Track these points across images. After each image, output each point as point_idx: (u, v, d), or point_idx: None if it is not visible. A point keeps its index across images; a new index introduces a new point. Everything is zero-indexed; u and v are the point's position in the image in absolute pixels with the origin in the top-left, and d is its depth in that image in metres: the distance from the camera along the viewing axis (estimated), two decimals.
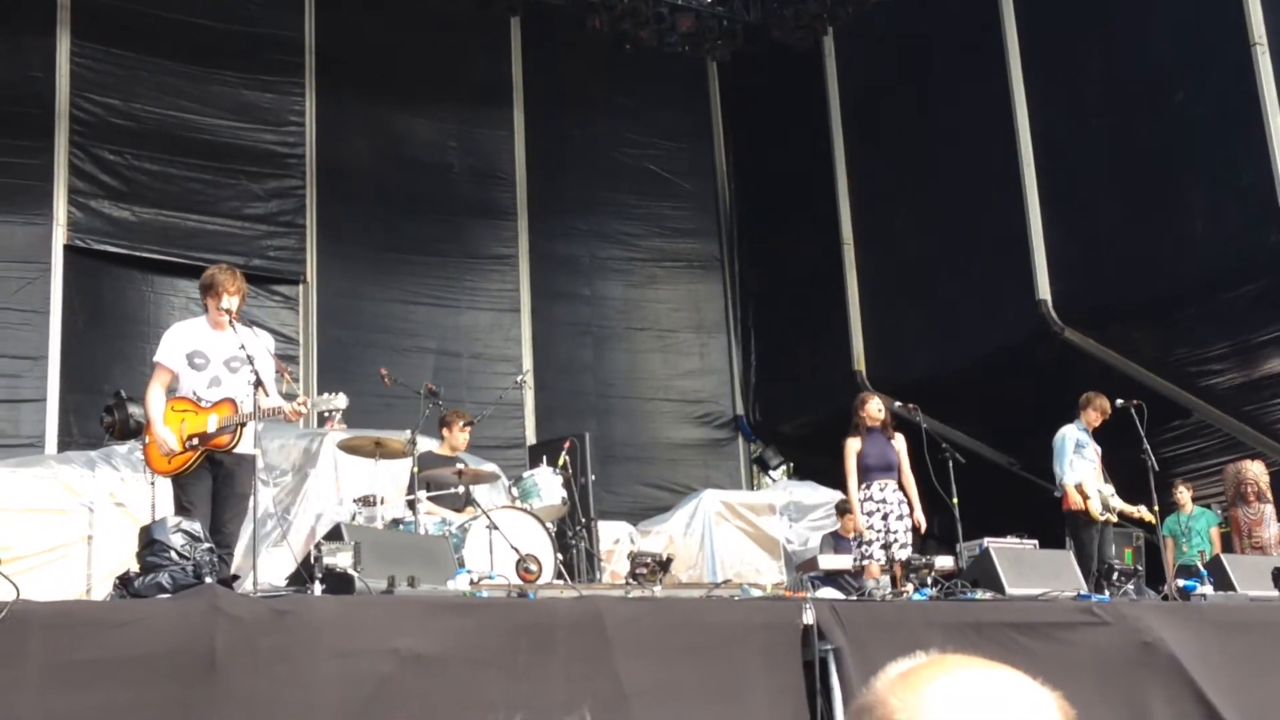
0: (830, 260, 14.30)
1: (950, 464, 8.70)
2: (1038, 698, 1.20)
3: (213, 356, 6.51)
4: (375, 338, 13.47)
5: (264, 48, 13.48)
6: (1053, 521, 9.78)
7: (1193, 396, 11.78)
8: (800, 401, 14.83)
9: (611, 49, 14.37)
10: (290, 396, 6.67)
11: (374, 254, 13.84)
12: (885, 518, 8.60)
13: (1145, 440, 8.54)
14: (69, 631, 4.40)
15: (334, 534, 5.93)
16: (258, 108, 13.36)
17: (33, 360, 11.70)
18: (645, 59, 14.76)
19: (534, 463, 9.56)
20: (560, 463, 9.38)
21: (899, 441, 8.90)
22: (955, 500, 8.63)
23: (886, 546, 8.51)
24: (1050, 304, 11.95)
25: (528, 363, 13.97)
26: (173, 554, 5.13)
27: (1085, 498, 9.26)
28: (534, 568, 7.59)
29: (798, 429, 15.12)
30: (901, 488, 8.74)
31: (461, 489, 8.53)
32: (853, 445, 8.80)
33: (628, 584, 7.23)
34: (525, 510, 8.37)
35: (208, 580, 5.09)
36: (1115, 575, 7.77)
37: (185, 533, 5.26)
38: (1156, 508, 8.84)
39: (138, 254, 12.47)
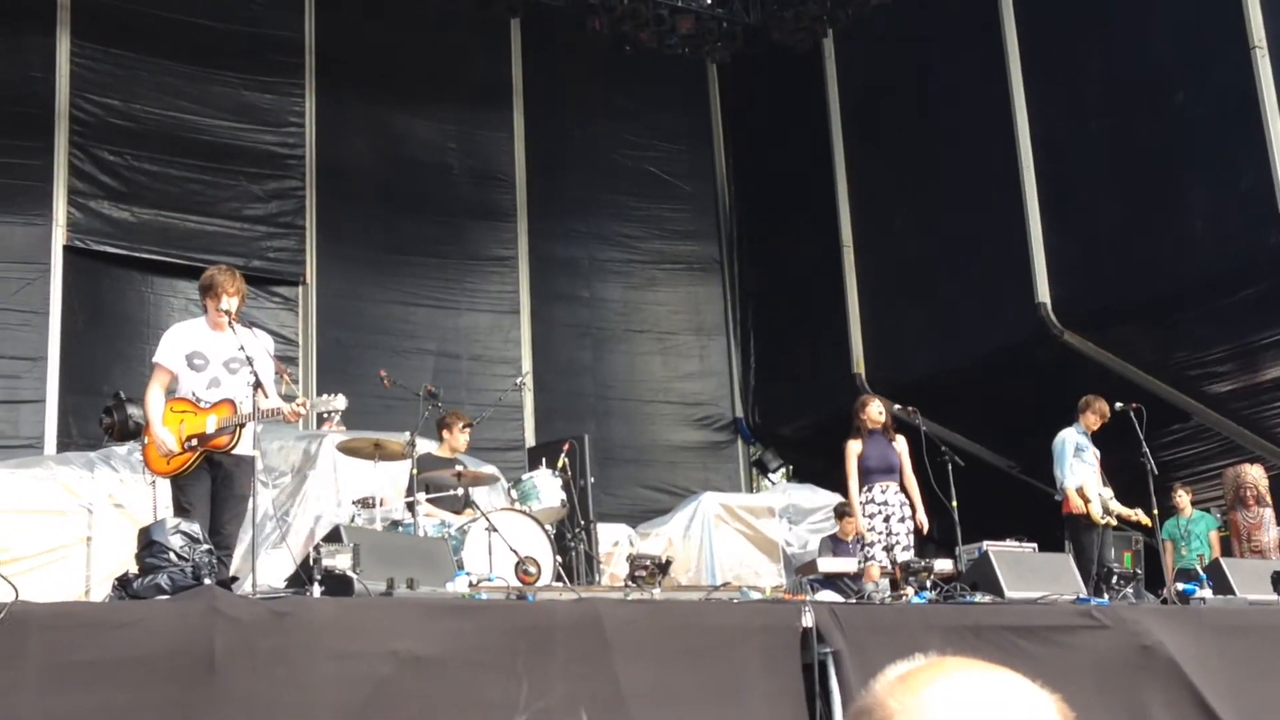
0: (830, 262, 14.30)
1: (949, 467, 8.70)
2: (1037, 700, 1.20)
3: (212, 357, 6.51)
4: (375, 339, 13.47)
5: (264, 48, 13.48)
6: (1052, 525, 9.78)
7: (1192, 400, 11.79)
8: (800, 404, 14.83)
9: (611, 51, 14.37)
10: (289, 398, 6.67)
11: (373, 255, 13.84)
12: (887, 520, 8.61)
13: (1144, 444, 8.54)
14: (68, 633, 4.40)
15: (333, 536, 5.92)
16: (257, 108, 13.36)
17: (32, 361, 11.70)
18: (645, 61, 14.77)
19: (533, 465, 9.56)
20: (559, 465, 9.38)
21: (900, 443, 8.90)
22: (954, 503, 8.62)
23: (889, 549, 8.51)
24: (1050, 306, 11.95)
25: (527, 365, 13.97)
26: (171, 555, 5.13)
27: (1086, 501, 9.26)
28: (533, 570, 7.58)
29: (797, 431, 15.12)
30: (903, 489, 8.74)
31: (460, 491, 8.53)
32: (853, 447, 8.80)
33: (627, 586, 7.22)
34: (524, 512, 8.37)
35: (207, 582, 5.09)
36: (1114, 579, 7.77)
37: (184, 534, 5.25)
38: (1156, 511, 8.83)
39: (137, 255, 12.47)
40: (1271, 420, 11.74)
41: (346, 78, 13.83)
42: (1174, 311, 11.39)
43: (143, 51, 12.80)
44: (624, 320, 15.24)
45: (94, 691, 4.27)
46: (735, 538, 12.12)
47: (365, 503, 8.14)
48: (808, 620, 5.70)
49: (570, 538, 9.56)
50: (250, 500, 6.37)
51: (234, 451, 6.36)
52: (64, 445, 11.31)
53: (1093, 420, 9.44)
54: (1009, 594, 7.05)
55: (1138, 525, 9.63)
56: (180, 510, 6.23)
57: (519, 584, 7.07)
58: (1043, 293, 11.99)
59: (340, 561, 5.27)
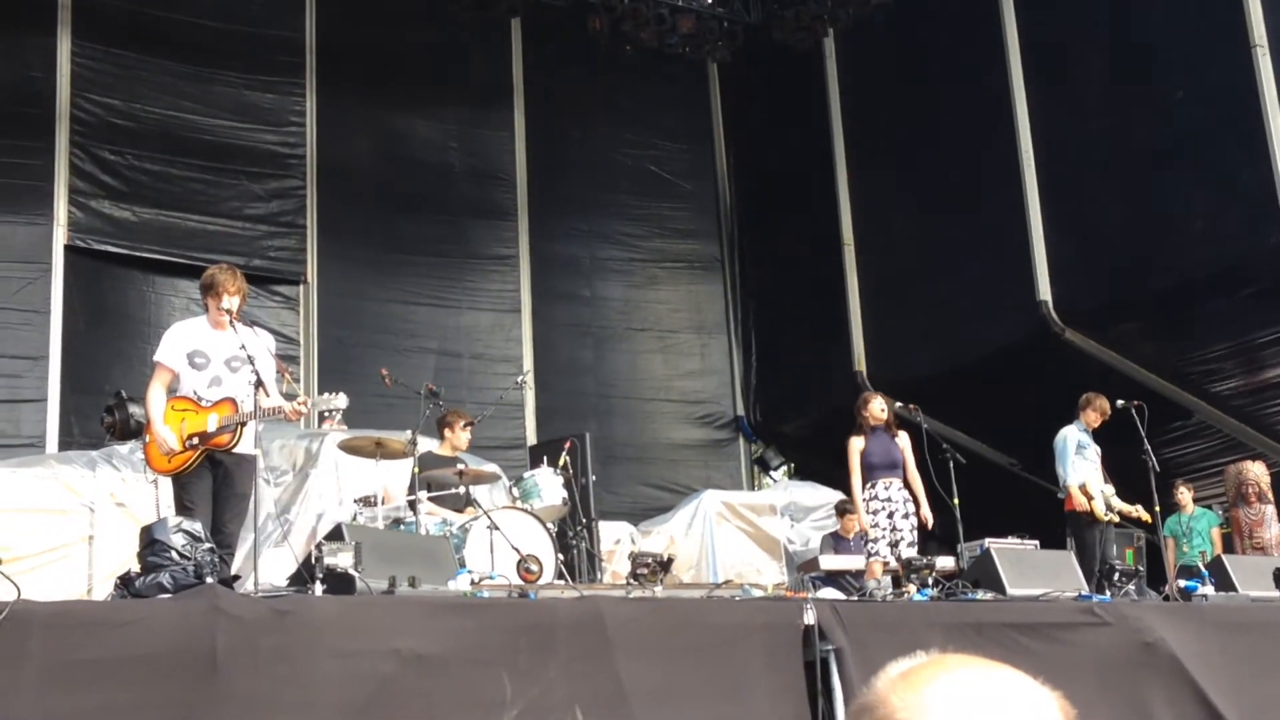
0: (830, 261, 14.30)
1: (951, 464, 8.70)
2: (1038, 697, 1.20)
3: (213, 356, 6.51)
4: (376, 338, 13.47)
5: (265, 48, 13.48)
6: (1054, 522, 9.78)
7: (1193, 397, 11.79)
8: (801, 402, 14.84)
9: (612, 50, 14.37)
10: (290, 396, 6.67)
11: (374, 254, 13.84)
12: (891, 516, 8.61)
13: (1146, 441, 8.53)
14: (70, 631, 4.41)
15: (335, 534, 5.93)
16: (258, 108, 13.36)
17: (33, 360, 11.71)
18: (646, 60, 14.77)
19: (535, 463, 9.56)
20: (561, 463, 9.39)
21: (903, 439, 8.91)
22: (956, 501, 8.62)
23: (893, 545, 8.52)
24: (1051, 304, 11.95)
25: (528, 363, 13.97)
26: (173, 554, 5.13)
27: (1089, 498, 9.26)
28: (535, 568, 7.59)
29: (798, 429, 15.12)
30: (907, 485, 8.75)
31: (462, 489, 8.53)
32: (856, 444, 8.81)
33: (628, 584, 7.23)
34: (526, 510, 8.37)
35: (209, 580, 5.09)
36: (1116, 576, 7.77)
37: (186, 533, 5.26)
38: (1157, 508, 8.83)
39: (138, 254, 12.48)
40: (1273, 417, 11.74)
41: (347, 77, 13.83)
42: (1175, 309, 11.39)
43: (143, 51, 12.80)
44: (625, 319, 15.24)
45: (96, 690, 4.27)
46: (737, 535, 12.13)
47: (367, 501, 8.15)
48: (809, 618, 5.71)
49: (572, 536, 9.57)
50: (251, 499, 6.37)
51: (235, 450, 6.36)
52: (66, 444, 11.31)
53: (1093, 417, 9.44)
54: (1011, 591, 7.05)
55: (1138, 522, 9.63)
56: (182, 509, 6.23)
57: (521, 582, 7.08)
58: (1044, 290, 11.99)
59: (342, 560, 5.28)
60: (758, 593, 7.29)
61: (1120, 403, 9.03)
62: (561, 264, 14.97)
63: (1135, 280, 11.36)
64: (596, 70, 14.96)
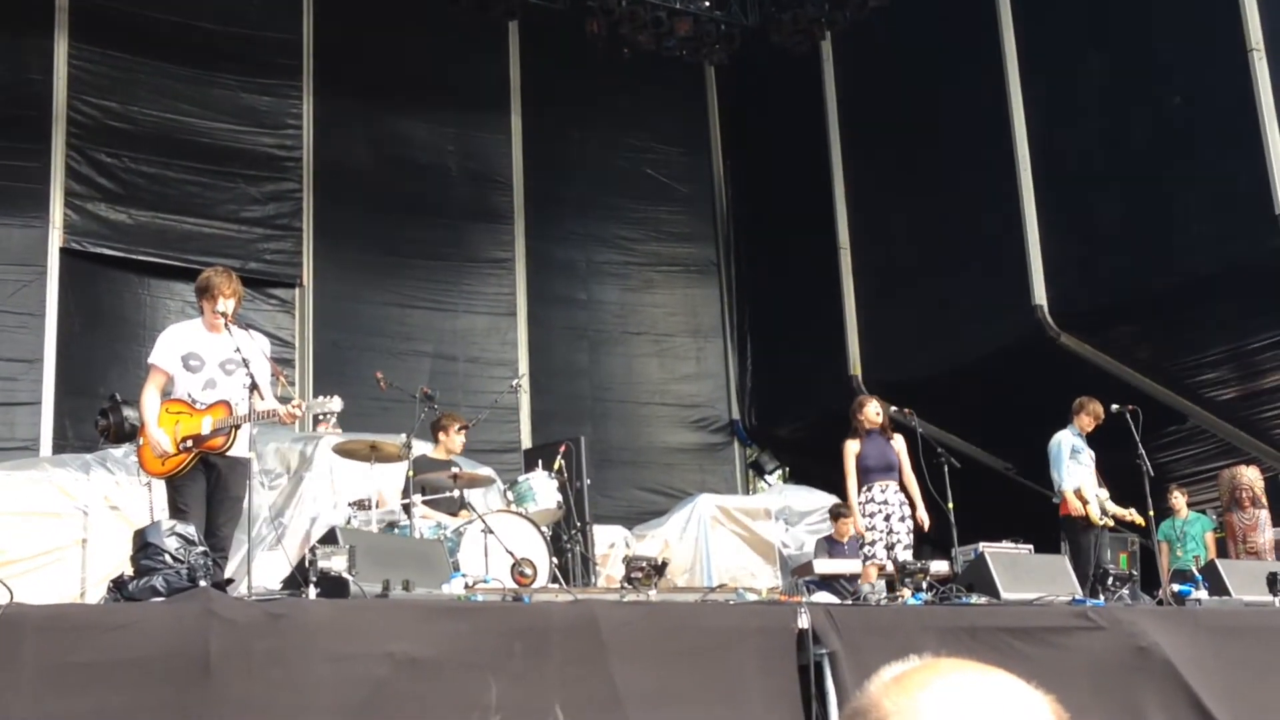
0: (827, 264, 14.30)
1: (946, 468, 8.70)
2: (1032, 701, 1.20)
3: (208, 359, 6.50)
4: (371, 341, 13.46)
5: (262, 51, 13.48)
6: (1048, 526, 9.79)
7: (1188, 402, 11.80)
8: (796, 406, 14.83)
9: (609, 53, 14.37)
10: (285, 400, 6.66)
11: (370, 257, 13.84)
12: (888, 519, 8.61)
13: (1141, 445, 8.54)
14: (63, 635, 4.40)
15: (329, 537, 5.92)
16: (255, 111, 13.35)
17: (28, 363, 11.69)
18: (643, 63, 14.77)
19: (529, 467, 9.55)
20: (556, 467, 9.38)
21: (898, 442, 8.91)
22: (951, 505, 8.63)
23: (890, 547, 8.52)
24: (1046, 309, 11.95)
25: (524, 367, 13.97)
26: (167, 557, 5.13)
27: (1084, 503, 9.26)
28: (529, 571, 7.58)
29: (793, 433, 15.12)
30: (903, 488, 8.75)
31: (456, 493, 8.52)
32: (851, 447, 8.81)
33: (623, 588, 7.21)
34: (520, 514, 8.37)
35: (202, 584, 5.08)
36: (1110, 580, 7.77)
37: (179, 536, 5.25)
38: (1152, 513, 8.84)
39: (134, 257, 12.47)
40: (1267, 422, 11.76)
41: (344, 80, 13.82)
42: (1171, 313, 11.40)
43: (140, 54, 12.79)
44: (621, 322, 15.24)
45: (89, 694, 4.27)
46: (731, 539, 12.12)
47: (361, 504, 8.14)
48: (804, 622, 5.71)
49: (566, 539, 9.56)
50: (245, 502, 6.36)
51: (229, 453, 6.36)
52: (60, 447, 11.30)
53: (1087, 421, 9.45)
54: (1005, 595, 7.05)
55: (1133, 525, 9.64)
56: (176, 511, 6.22)
57: (515, 586, 7.07)
58: (1039, 295, 12.00)
59: (336, 563, 5.27)
60: (752, 597, 7.28)
61: (1115, 407, 9.04)
62: (558, 267, 14.96)
63: (1131, 284, 11.37)
64: (594, 73, 14.97)
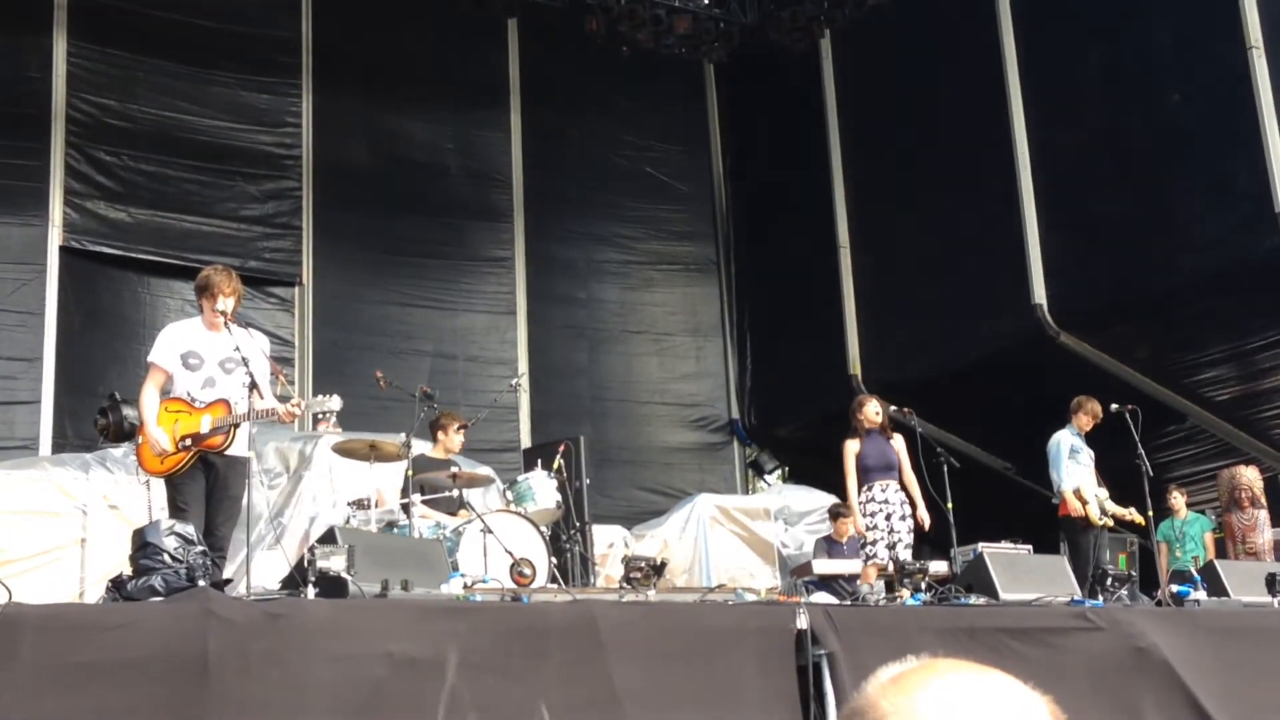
0: (826, 263, 14.30)
1: (945, 468, 8.70)
2: (1029, 702, 1.20)
3: (207, 357, 6.50)
4: (371, 340, 13.45)
5: (261, 48, 13.47)
6: (1047, 526, 9.79)
7: (1188, 401, 11.80)
8: (796, 405, 14.83)
9: (608, 51, 14.37)
10: (285, 399, 6.66)
11: (370, 256, 13.83)
12: (889, 518, 8.61)
13: (1140, 445, 8.54)
14: (61, 634, 4.39)
15: (328, 537, 5.92)
16: (254, 109, 13.35)
17: (27, 362, 11.69)
18: (642, 61, 14.77)
19: (529, 466, 9.55)
20: (555, 466, 9.38)
21: (898, 441, 8.91)
22: (950, 505, 8.63)
23: (891, 546, 8.52)
24: (1045, 308, 11.95)
25: (523, 366, 13.97)
26: (166, 557, 5.12)
27: (1084, 503, 9.26)
28: (528, 571, 7.58)
29: (793, 433, 15.12)
30: (903, 487, 8.75)
31: (456, 492, 8.52)
32: (851, 447, 8.80)
33: (622, 588, 7.22)
34: (519, 514, 8.37)
35: (200, 583, 5.08)
36: (1109, 580, 7.77)
37: (178, 536, 5.25)
38: (1151, 513, 8.84)
39: (133, 255, 12.46)
40: (1267, 422, 11.76)
41: (343, 78, 13.82)
42: (1170, 312, 11.40)
43: (139, 51, 12.78)
44: (620, 321, 15.24)
45: (87, 694, 4.26)
46: (730, 539, 12.12)
47: (360, 504, 8.14)
48: (802, 622, 5.70)
49: (565, 539, 9.56)
50: (244, 501, 6.36)
51: (228, 452, 6.36)
52: (59, 446, 11.29)
53: (1085, 421, 9.45)
54: (1004, 596, 7.05)
55: (1133, 525, 9.63)
56: (176, 510, 6.23)
57: (514, 586, 7.07)
58: (1039, 294, 11.99)
59: (335, 563, 5.26)
60: (751, 597, 7.28)
61: (1114, 406, 9.04)
62: (557, 266, 14.96)
63: (1130, 283, 11.37)
64: (593, 71, 14.97)
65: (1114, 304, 11.61)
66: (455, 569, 6.76)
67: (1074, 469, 9.37)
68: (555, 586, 7.57)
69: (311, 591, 5.20)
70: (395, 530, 7.87)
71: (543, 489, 8.81)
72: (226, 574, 6.45)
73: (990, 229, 12.56)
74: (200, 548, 5.33)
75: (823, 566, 9.99)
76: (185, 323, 6.86)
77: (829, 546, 10.61)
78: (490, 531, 7.58)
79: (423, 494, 8.16)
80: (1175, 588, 7.86)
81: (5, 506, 9.03)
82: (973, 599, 6.97)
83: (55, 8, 12.39)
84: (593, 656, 5.20)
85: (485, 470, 9.68)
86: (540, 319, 14.60)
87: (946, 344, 12.71)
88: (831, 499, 11.40)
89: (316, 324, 13.21)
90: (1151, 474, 8.59)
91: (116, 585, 5.18)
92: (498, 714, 4.86)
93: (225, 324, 6.49)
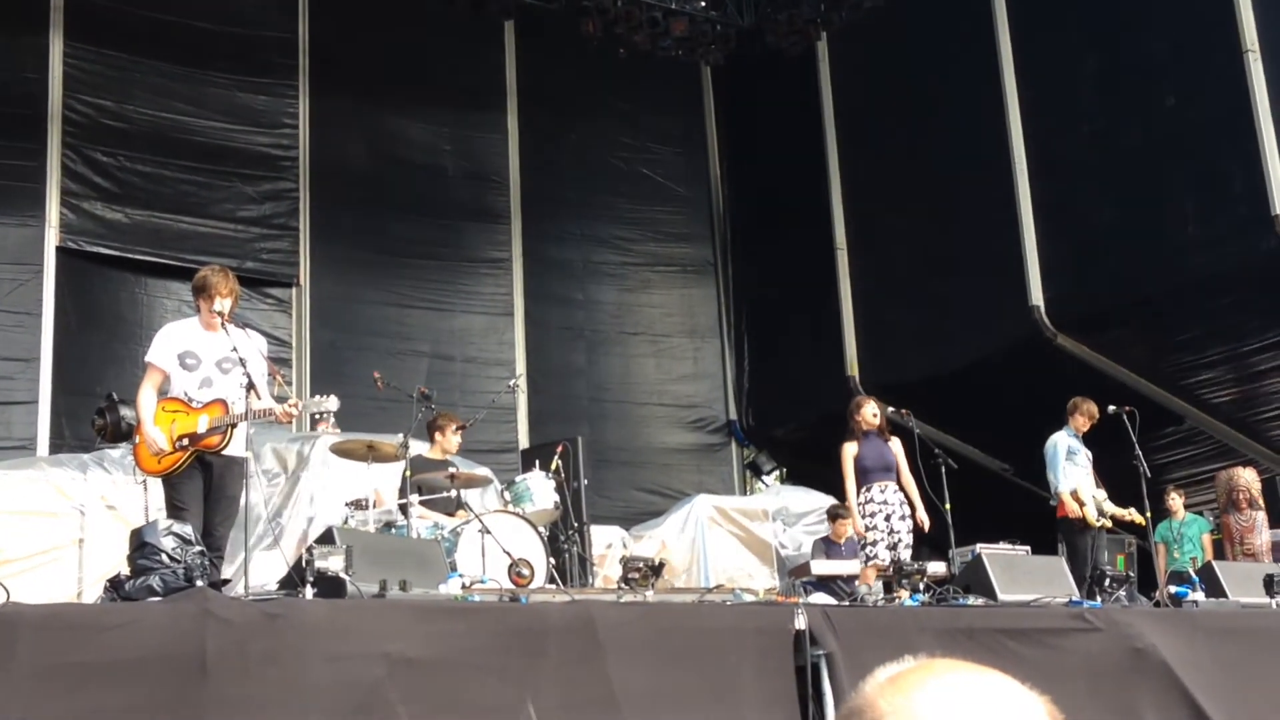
0: (824, 265, 14.31)
1: (943, 470, 8.70)
2: (1027, 702, 1.20)
3: (204, 357, 6.50)
4: (368, 341, 13.45)
5: (258, 49, 13.47)
6: (1045, 527, 9.78)
7: (1185, 403, 11.81)
8: (793, 406, 14.84)
9: (605, 53, 14.38)
10: (282, 399, 6.66)
11: (367, 257, 13.83)
12: (888, 518, 8.60)
13: (1137, 446, 8.54)
14: (59, 634, 4.39)
15: (326, 537, 5.91)
16: (251, 110, 13.35)
17: (24, 362, 11.68)
18: (639, 63, 14.77)
19: (526, 467, 9.55)
20: (553, 467, 9.37)
21: (896, 443, 8.90)
22: (948, 506, 8.63)
23: (892, 547, 8.51)
24: (1043, 310, 11.96)
25: (521, 367, 13.97)
26: (164, 557, 5.12)
27: (1081, 504, 9.26)
28: (526, 572, 7.58)
29: (791, 434, 15.12)
30: (902, 488, 8.74)
31: (453, 493, 8.52)
32: (850, 449, 8.79)
33: (620, 589, 7.21)
34: (517, 514, 8.36)
35: (199, 583, 5.08)
36: (1107, 581, 7.77)
37: (176, 536, 5.24)
38: (1149, 514, 8.84)
39: (130, 256, 12.46)
40: (1264, 423, 11.77)
41: (340, 79, 13.82)
42: (1166, 315, 11.41)
43: (136, 52, 12.78)
44: (618, 322, 15.25)
45: (85, 694, 4.26)
46: (728, 540, 12.12)
47: (358, 504, 8.14)
48: (800, 623, 5.70)
49: (563, 540, 9.56)
50: (241, 501, 6.36)
51: (225, 452, 6.35)
52: (56, 447, 11.29)
53: (1082, 422, 9.45)
54: (1002, 596, 7.05)
55: (1132, 525, 9.64)
56: (174, 510, 6.22)
57: (512, 586, 7.07)
58: (1036, 296, 12.01)
59: (333, 563, 5.26)
60: (749, 598, 7.28)
61: (1111, 408, 9.04)
62: (555, 267, 14.97)
63: (1127, 285, 11.38)
64: (590, 73, 14.97)
65: (1111, 306, 11.62)
66: (453, 569, 6.76)
67: (1071, 470, 9.37)
68: (553, 587, 7.57)
69: (310, 592, 5.19)
70: (393, 531, 7.87)
71: (541, 490, 8.81)
72: (225, 574, 6.44)
73: (988, 231, 12.57)
74: (198, 548, 5.32)
75: (821, 567, 9.99)
76: (182, 323, 6.85)
77: (827, 547, 10.62)
78: (488, 532, 7.58)
79: (420, 494, 8.16)
80: (1173, 589, 7.86)
81: (3, 507, 9.03)
82: (971, 600, 6.97)
83: (51, 8, 12.38)
84: (591, 657, 5.19)
85: (483, 471, 9.67)
86: (538, 320, 14.61)
87: (944, 345, 12.72)
88: (829, 500, 11.40)
89: (314, 325, 13.21)
90: (1149, 475, 8.59)
91: (114, 585, 5.17)
92: (496, 714, 4.86)
93: (222, 324, 6.48)
